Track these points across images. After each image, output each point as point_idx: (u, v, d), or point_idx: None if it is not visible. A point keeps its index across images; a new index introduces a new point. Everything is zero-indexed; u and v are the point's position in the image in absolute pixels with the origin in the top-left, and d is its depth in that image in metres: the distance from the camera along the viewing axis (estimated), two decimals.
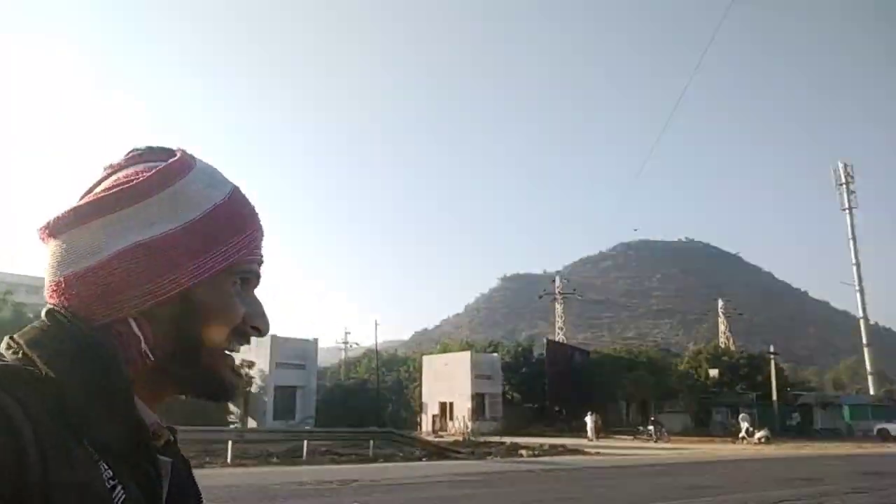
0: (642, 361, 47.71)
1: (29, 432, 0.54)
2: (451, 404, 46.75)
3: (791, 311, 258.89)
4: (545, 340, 50.82)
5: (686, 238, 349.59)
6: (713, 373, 48.22)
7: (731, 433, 38.50)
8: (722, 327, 61.18)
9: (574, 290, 63.50)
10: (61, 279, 0.69)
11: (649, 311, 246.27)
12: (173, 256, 0.70)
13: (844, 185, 70.50)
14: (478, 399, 45.86)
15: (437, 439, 34.66)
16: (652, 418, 40.22)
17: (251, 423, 40.24)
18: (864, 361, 69.80)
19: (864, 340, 68.28)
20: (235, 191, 0.79)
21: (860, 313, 71.34)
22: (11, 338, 0.66)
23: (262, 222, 0.80)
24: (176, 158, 0.76)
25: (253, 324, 0.76)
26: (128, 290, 0.68)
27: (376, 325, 52.69)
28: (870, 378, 66.03)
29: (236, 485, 12.40)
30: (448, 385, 46.71)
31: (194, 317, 0.71)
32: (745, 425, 37.19)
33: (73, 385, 0.61)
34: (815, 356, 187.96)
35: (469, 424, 40.84)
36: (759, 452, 27.08)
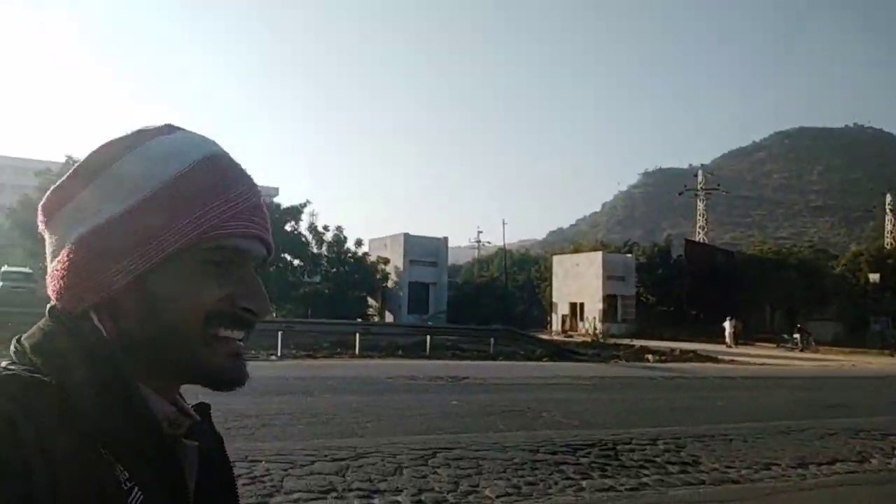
0: (792, 263, 44.28)
1: (33, 439, 0.55)
2: (582, 305, 46.73)
3: None
4: (684, 240, 48.37)
5: (854, 124, 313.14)
6: (874, 277, 43.86)
7: (891, 345, 35.38)
8: (889, 226, 54.72)
9: (718, 184, 58.48)
10: (48, 275, 0.70)
11: (807, 207, 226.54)
12: (118, 244, 0.66)
13: None
14: (609, 300, 45.29)
15: (565, 339, 35.03)
16: (798, 326, 37.80)
17: (388, 317, 42.56)
18: None
19: None
20: (202, 162, 0.70)
21: None
22: (18, 340, 0.67)
23: (250, 191, 0.72)
24: (116, 138, 0.71)
25: (242, 305, 0.69)
26: (79, 283, 0.67)
27: (504, 224, 53.31)
28: None
29: (352, 376, 13.14)
30: (578, 285, 46.49)
31: (157, 304, 0.67)
32: None
33: (76, 387, 0.61)
34: None
35: (599, 326, 40.61)
36: None
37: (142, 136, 0.72)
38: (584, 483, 6.26)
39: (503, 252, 59.47)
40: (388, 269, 42.85)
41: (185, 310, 0.67)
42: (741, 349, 32.59)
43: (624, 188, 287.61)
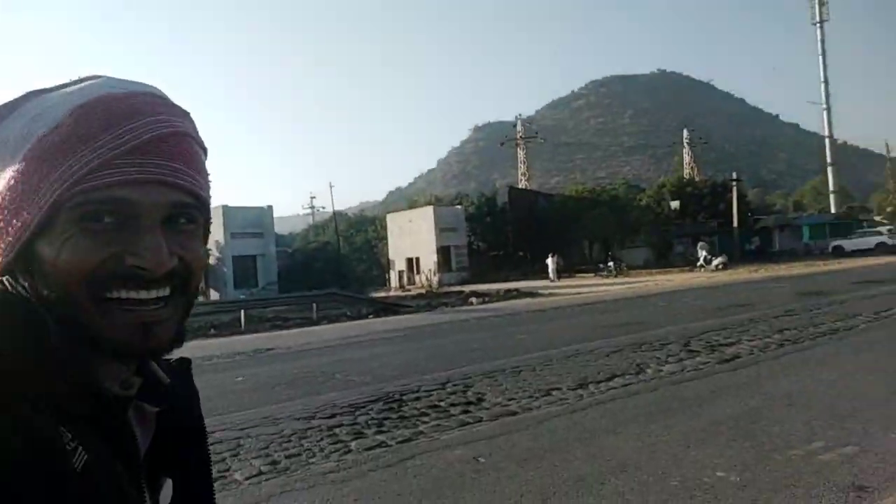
0: (604, 200, 47.42)
1: None
2: (417, 259, 47.04)
3: (762, 135, 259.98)
4: (507, 188, 50.02)
5: (658, 70, 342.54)
6: (674, 204, 48.22)
7: (691, 263, 39.07)
8: (687, 158, 60.46)
9: (536, 133, 61.51)
10: None
11: (621, 148, 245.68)
12: (13, 212, 0.63)
13: None
14: (443, 252, 45.89)
15: (402, 294, 35.14)
16: (610, 254, 40.71)
17: (214, 295, 40.04)
18: (828, 181, 70.53)
19: (829, 160, 68.61)
20: (75, 110, 0.63)
21: (826, 132, 71.07)
22: None
23: (143, 127, 0.63)
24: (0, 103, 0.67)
25: (129, 262, 0.62)
26: None
27: (331, 187, 52.06)
28: (832, 196, 67.21)
29: None
30: (413, 241, 46.66)
31: (45, 270, 0.62)
32: (702, 254, 37.69)
33: (9, 352, 0.58)
34: (783, 180, 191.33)
35: (433, 277, 41.09)
36: (711, 280, 27.27)
37: (24, 97, 0.66)
38: (353, 444, 5.73)
39: (340, 216, 58.33)
40: (209, 244, 40.04)
41: (66, 273, 0.61)
42: (563, 282, 34.69)
43: (457, 144, 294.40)
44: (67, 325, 0.62)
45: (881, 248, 40.67)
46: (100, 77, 0.67)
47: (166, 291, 0.64)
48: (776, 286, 19.57)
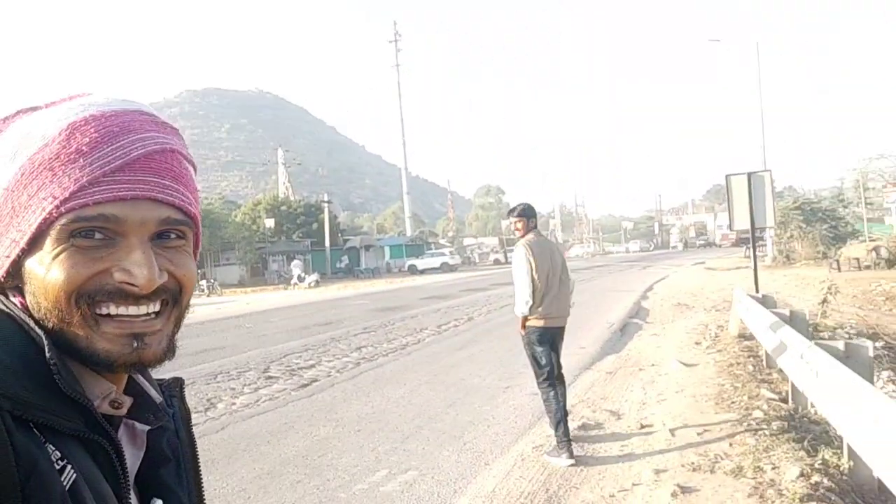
0: None
1: None
2: None
3: (351, 163, 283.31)
4: None
5: (257, 89, 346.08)
6: (269, 222, 48.57)
7: (286, 280, 39.61)
8: (282, 177, 61.87)
9: None
10: None
11: (218, 162, 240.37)
12: (1, 231, 0.64)
13: (394, 42, 75.97)
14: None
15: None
16: (202, 272, 38.85)
17: None
18: (404, 207, 79.82)
19: (405, 189, 77.71)
20: (67, 129, 0.63)
21: (403, 164, 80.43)
22: None
23: (131, 145, 0.64)
24: None
25: (118, 279, 0.63)
26: None
27: None
28: (407, 221, 76.18)
29: None
30: None
31: (36, 287, 0.63)
32: (296, 272, 38.55)
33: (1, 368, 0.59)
34: (369, 204, 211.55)
35: None
36: (303, 298, 27.81)
37: (14, 115, 0.67)
38: None
39: None
40: None
41: (56, 289, 0.61)
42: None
43: None
44: (59, 341, 0.62)
45: (445, 267, 47.45)
46: (90, 94, 0.68)
47: (156, 307, 0.65)
48: (359, 303, 20.78)
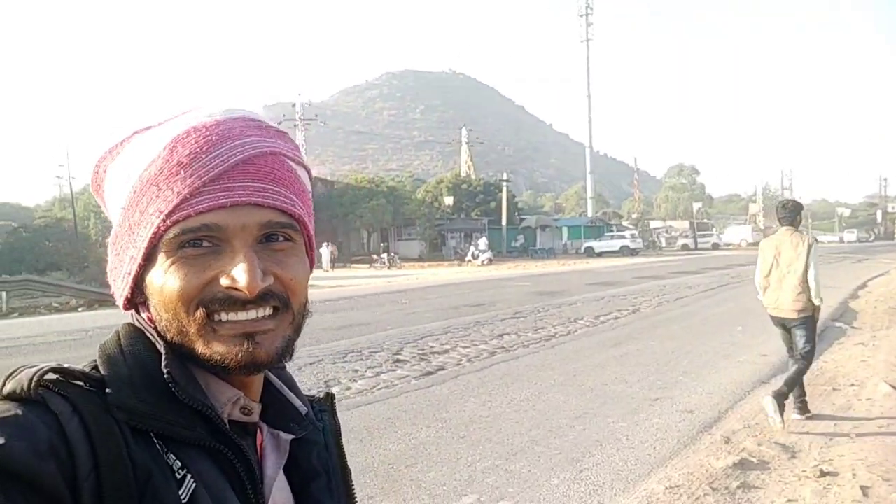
0: (382, 191, 46.86)
1: (78, 430, 0.56)
2: None
3: (537, 142, 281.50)
4: None
5: (450, 70, 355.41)
6: (448, 200, 49.24)
7: (462, 257, 40.04)
8: (465, 156, 62.42)
9: (316, 115, 58.98)
10: None
11: (412, 142, 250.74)
12: (118, 251, 0.68)
13: (584, 17, 73.20)
14: None
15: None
16: (384, 245, 40.36)
17: None
18: (586, 186, 77.33)
19: (588, 167, 75.17)
20: (169, 144, 0.65)
21: (588, 142, 77.85)
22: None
23: (228, 153, 0.65)
24: (106, 147, 0.70)
25: (224, 284, 0.64)
26: (113, 285, 0.70)
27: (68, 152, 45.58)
28: (589, 201, 73.70)
29: None
30: None
31: (156, 300, 0.65)
32: (472, 249, 38.81)
33: (118, 379, 0.62)
34: (553, 183, 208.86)
35: None
36: (474, 275, 27.64)
37: (129, 138, 0.69)
38: None
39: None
40: None
41: (172, 301, 0.63)
42: (338, 272, 33.63)
43: None
44: (181, 350, 0.65)
45: (624, 251, 45.07)
46: (199, 108, 0.69)
47: (268, 311, 0.65)
48: (520, 284, 19.95)
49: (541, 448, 4.95)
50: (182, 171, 0.63)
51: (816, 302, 5.47)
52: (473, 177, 58.32)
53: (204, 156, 0.63)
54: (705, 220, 72.40)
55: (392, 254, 39.10)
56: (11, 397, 0.56)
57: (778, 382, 5.40)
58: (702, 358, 8.33)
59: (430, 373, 7.43)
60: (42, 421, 0.55)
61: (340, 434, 0.82)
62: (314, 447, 0.75)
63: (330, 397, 0.84)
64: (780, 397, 5.26)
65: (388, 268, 36.12)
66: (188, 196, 0.62)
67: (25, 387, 0.57)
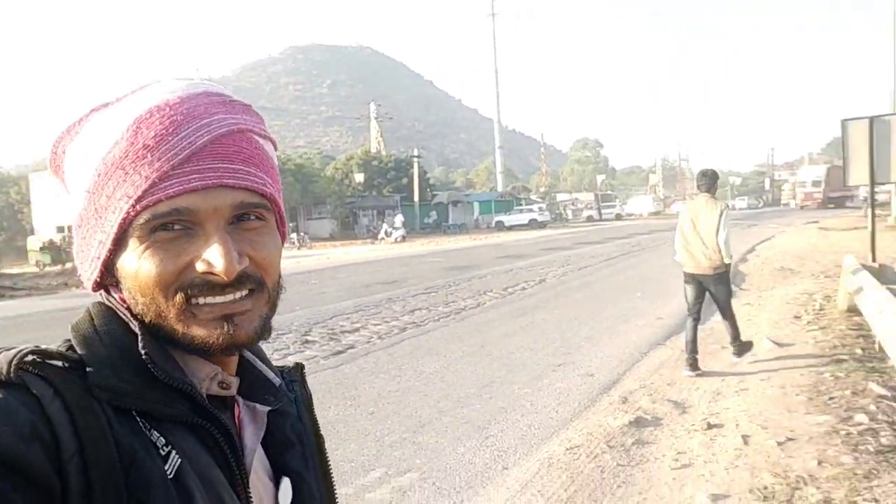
0: (289, 169, 45.76)
1: (60, 411, 0.56)
2: (71, 228, 40.46)
3: (448, 117, 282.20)
4: None
5: (358, 44, 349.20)
6: (359, 177, 48.71)
7: (374, 235, 39.78)
8: (374, 132, 61.75)
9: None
10: None
11: (320, 118, 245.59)
12: (84, 235, 0.67)
13: None
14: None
15: (40, 271, 29.59)
16: (293, 225, 39.59)
17: None
18: (496, 162, 78.37)
19: (497, 143, 76.16)
20: (132, 124, 0.63)
21: (496, 118, 78.74)
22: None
23: (196, 133, 0.63)
24: (67, 123, 0.68)
25: (200, 269, 0.63)
26: (80, 267, 0.69)
27: None
28: (499, 176, 74.82)
29: None
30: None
31: (129, 283, 0.65)
32: (384, 226, 38.61)
33: (97, 359, 0.62)
34: (464, 159, 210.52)
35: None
36: (386, 252, 27.56)
37: (87, 116, 0.67)
38: None
39: None
40: None
41: (147, 286, 0.63)
42: None
43: None
44: (159, 332, 0.65)
45: (533, 224, 46.12)
46: (158, 82, 0.67)
47: (244, 292, 0.65)
48: (433, 260, 20.09)
49: (448, 418, 5.05)
50: (149, 155, 0.61)
51: (727, 260, 6.06)
52: (384, 153, 57.85)
53: (171, 137, 0.62)
54: (609, 192, 75.13)
55: (301, 234, 38.38)
56: None
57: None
58: (603, 324, 8.70)
59: (339, 352, 7.39)
60: (23, 404, 0.55)
61: (312, 403, 0.83)
62: (287, 418, 0.76)
63: (299, 367, 0.84)
64: (736, 345, 6.32)
65: (298, 248, 35.42)
66: (157, 181, 0.61)
67: (4, 370, 0.56)
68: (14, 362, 0.57)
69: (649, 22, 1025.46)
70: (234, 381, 0.70)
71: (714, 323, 8.58)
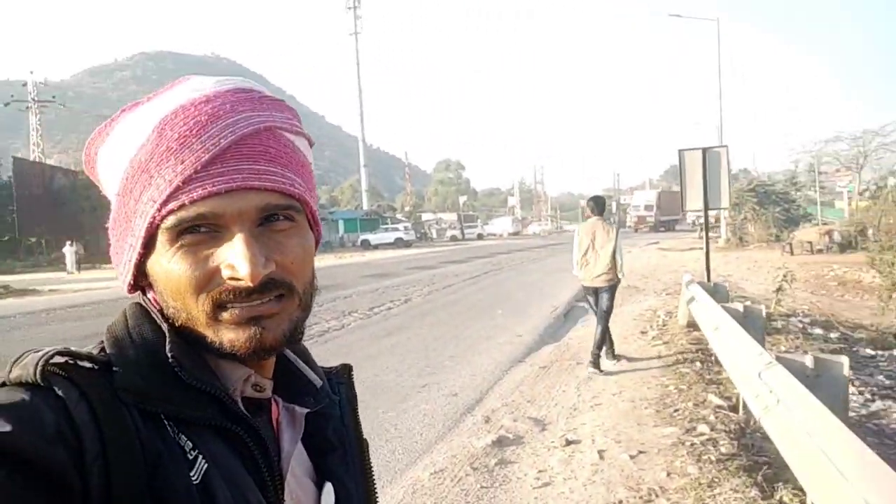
0: None
1: (85, 413, 0.55)
2: None
3: (310, 133, 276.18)
4: (12, 159, 40.79)
5: (213, 54, 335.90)
6: None
7: None
8: None
9: (54, 96, 51.33)
10: None
11: None
12: (118, 239, 0.67)
13: (353, 9, 73.53)
14: None
15: None
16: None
17: None
18: (361, 180, 78.04)
19: (362, 161, 75.90)
20: (158, 126, 0.62)
21: (360, 136, 78.56)
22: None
23: (220, 133, 0.62)
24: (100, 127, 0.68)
25: (226, 275, 0.62)
26: (117, 269, 0.69)
27: None
28: (364, 194, 74.51)
29: None
30: None
31: (160, 288, 0.65)
32: None
33: (125, 361, 0.61)
34: (328, 176, 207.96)
35: None
36: None
37: (118, 117, 0.66)
38: None
39: None
40: None
41: (177, 289, 0.62)
42: (85, 273, 29.96)
43: None
44: (189, 336, 0.64)
45: (399, 243, 46.30)
46: (189, 79, 0.67)
47: (271, 299, 0.63)
48: None
49: None
50: (172, 158, 0.60)
51: (620, 276, 6.92)
52: None
53: (194, 139, 0.61)
54: (471, 213, 77.25)
55: (80, 253, 35.82)
56: (18, 383, 0.56)
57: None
58: (466, 342, 8.81)
59: None
60: (49, 406, 0.54)
61: (357, 406, 0.81)
62: (330, 420, 0.75)
63: (347, 368, 0.83)
64: (595, 357, 6.84)
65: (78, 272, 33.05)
66: (181, 184, 0.60)
67: (32, 372, 0.56)
68: (41, 364, 0.56)
69: (509, 42, 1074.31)
70: (269, 384, 0.69)
71: (568, 340, 8.98)
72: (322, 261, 31.43)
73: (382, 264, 26.18)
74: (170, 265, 0.62)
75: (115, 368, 0.60)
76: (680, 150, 9.34)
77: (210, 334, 0.63)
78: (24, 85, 49.22)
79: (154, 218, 0.61)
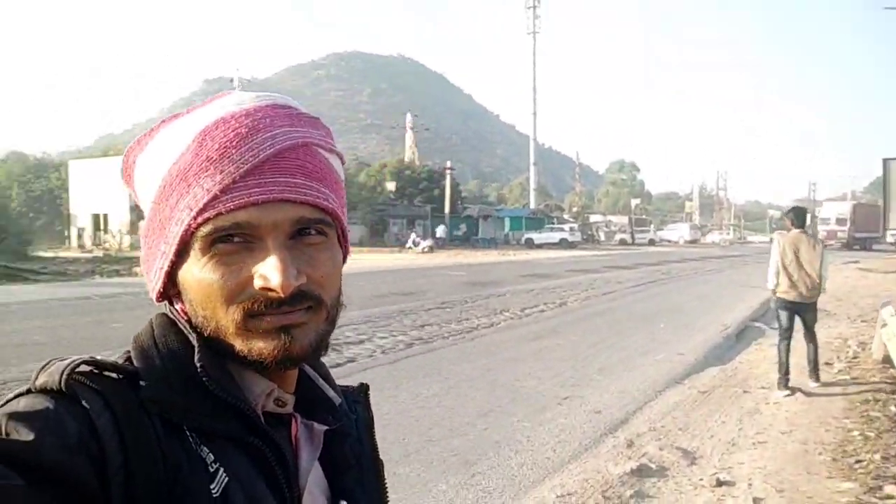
0: None
1: (108, 423, 0.56)
2: (106, 216, 41.15)
3: (484, 131, 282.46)
4: None
5: (399, 54, 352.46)
6: (390, 185, 48.68)
7: (402, 243, 39.70)
8: (409, 141, 61.85)
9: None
10: None
11: (359, 125, 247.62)
12: (151, 246, 0.67)
13: (532, 9, 73.37)
14: (139, 211, 40.32)
15: (78, 255, 30.44)
16: None
17: None
18: (530, 178, 77.89)
19: (532, 159, 75.68)
20: (199, 135, 0.63)
21: (532, 134, 78.36)
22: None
23: (259, 146, 0.63)
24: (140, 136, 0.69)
25: (258, 285, 0.62)
26: (147, 278, 0.69)
27: None
28: (532, 193, 74.28)
29: None
30: (104, 195, 40.48)
31: (190, 297, 0.65)
32: (413, 236, 38.48)
33: (151, 372, 0.62)
34: (499, 174, 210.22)
35: (126, 238, 36.13)
36: (411, 262, 27.35)
37: (157, 127, 0.68)
38: None
39: (19, 156, 48.85)
40: None
41: (209, 301, 0.62)
42: None
43: (186, 95, 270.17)
44: (218, 346, 0.64)
45: (563, 243, 45.54)
46: (229, 94, 0.68)
47: (302, 308, 0.64)
48: (455, 273, 19.78)
49: (437, 449, 4.70)
50: (212, 167, 0.61)
51: (824, 291, 6.73)
52: (418, 163, 57.85)
53: (234, 150, 0.62)
54: (643, 217, 74.01)
55: None
56: (43, 391, 0.56)
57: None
58: (620, 354, 8.27)
59: (338, 364, 7.08)
60: (72, 415, 0.55)
61: (374, 426, 0.82)
62: (347, 438, 0.75)
63: (364, 388, 0.84)
64: (814, 374, 6.77)
65: None
66: (219, 193, 0.61)
67: (56, 380, 0.56)
68: (66, 372, 0.56)
69: (692, 42, 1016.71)
70: (291, 399, 0.69)
71: (738, 363, 8.11)
72: (485, 257, 31.73)
73: (543, 264, 25.78)
74: (202, 273, 0.62)
75: (140, 379, 0.60)
76: (884, 159, 8.11)
77: (238, 343, 0.62)
78: (231, 81, 54.69)
79: (190, 225, 0.61)
